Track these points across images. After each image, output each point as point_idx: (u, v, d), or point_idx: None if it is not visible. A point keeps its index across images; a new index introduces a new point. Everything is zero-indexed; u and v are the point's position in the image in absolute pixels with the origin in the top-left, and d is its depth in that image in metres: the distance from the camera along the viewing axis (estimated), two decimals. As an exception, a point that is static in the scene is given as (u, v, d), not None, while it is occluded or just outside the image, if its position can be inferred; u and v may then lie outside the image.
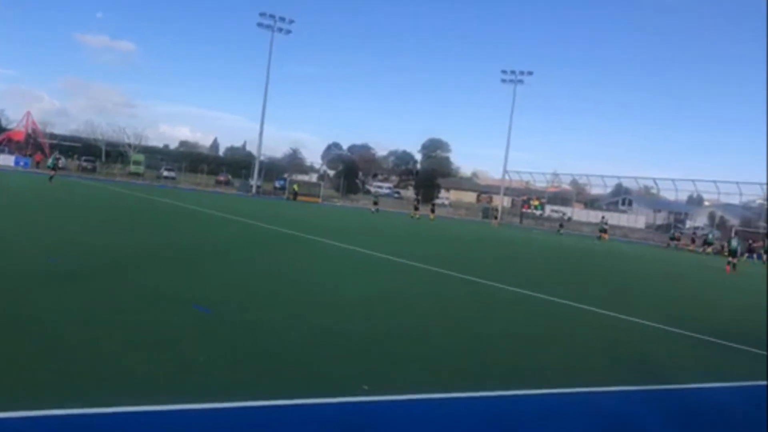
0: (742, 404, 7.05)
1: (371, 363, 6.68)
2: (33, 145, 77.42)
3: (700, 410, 6.43)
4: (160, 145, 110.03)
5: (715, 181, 67.39)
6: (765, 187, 63.66)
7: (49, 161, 48.70)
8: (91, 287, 8.83)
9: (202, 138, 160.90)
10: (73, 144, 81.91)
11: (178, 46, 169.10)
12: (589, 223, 71.44)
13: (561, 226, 60.24)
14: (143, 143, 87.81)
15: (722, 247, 44.27)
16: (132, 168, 72.80)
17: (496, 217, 61.98)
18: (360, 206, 66.87)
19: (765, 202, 68.49)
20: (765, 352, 9.54)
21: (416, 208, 53.43)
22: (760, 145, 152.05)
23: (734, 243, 33.14)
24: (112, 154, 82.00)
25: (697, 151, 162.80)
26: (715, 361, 8.93)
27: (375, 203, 56.71)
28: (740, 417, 6.49)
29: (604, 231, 54.25)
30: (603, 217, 61.90)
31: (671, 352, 9.17)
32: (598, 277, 20.54)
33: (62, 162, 67.96)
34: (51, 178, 41.33)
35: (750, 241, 47.86)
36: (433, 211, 54.42)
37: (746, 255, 43.34)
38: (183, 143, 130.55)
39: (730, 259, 31.54)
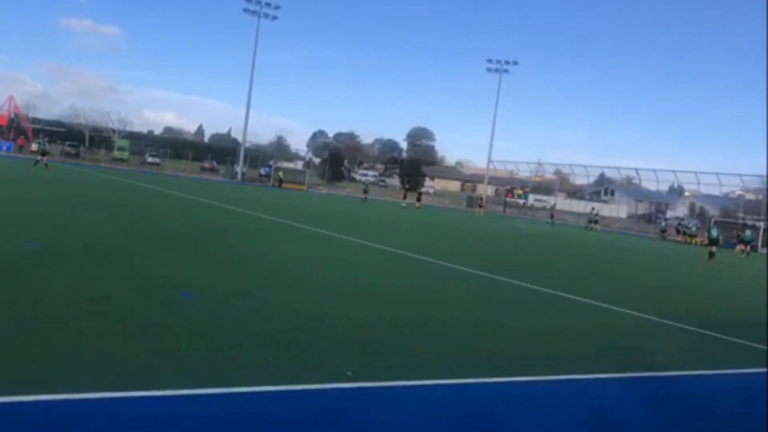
0: (725, 392, 7.30)
1: (355, 349, 6.85)
2: (16, 129, 76.72)
3: (693, 399, 6.69)
4: (145, 130, 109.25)
5: (695, 172, 68.42)
6: (744, 178, 64.69)
7: (36, 146, 47.97)
8: (74, 272, 8.97)
9: (186, 124, 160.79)
10: (56, 129, 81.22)
11: (163, 30, 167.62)
12: (571, 213, 72.14)
13: (552, 216, 60.68)
14: (128, 129, 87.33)
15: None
16: (116, 154, 72.35)
17: (480, 206, 62.39)
18: (345, 194, 66.95)
19: (744, 193, 69.56)
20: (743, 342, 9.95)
21: (405, 197, 53.89)
22: (739, 137, 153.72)
23: (714, 232, 33.41)
24: (96, 139, 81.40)
25: (679, 142, 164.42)
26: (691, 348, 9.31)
27: (365, 191, 56.91)
28: (724, 404, 6.74)
29: (596, 222, 55.27)
30: (593, 208, 62.65)
31: (673, 343, 9.51)
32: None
33: (36, 146, 67.53)
34: (36, 163, 40.55)
35: (738, 232, 48.59)
36: (419, 200, 54.79)
37: (742, 247, 43.43)
38: (168, 129, 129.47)
39: (710, 248, 32.01)
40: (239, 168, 69.68)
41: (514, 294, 12.31)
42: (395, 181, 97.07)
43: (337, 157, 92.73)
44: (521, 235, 34.08)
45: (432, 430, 4.89)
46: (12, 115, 78.12)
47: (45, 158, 41.30)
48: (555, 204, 71.72)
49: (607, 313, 11.22)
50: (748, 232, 46.07)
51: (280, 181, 64.58)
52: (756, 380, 7.87)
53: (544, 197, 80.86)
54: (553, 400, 5.99)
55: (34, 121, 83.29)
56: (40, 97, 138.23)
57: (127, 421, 4.35)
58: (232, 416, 4.62)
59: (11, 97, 79.48)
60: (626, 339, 9.33)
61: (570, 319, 10.23)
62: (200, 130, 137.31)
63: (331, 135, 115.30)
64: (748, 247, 43.50)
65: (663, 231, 55.66)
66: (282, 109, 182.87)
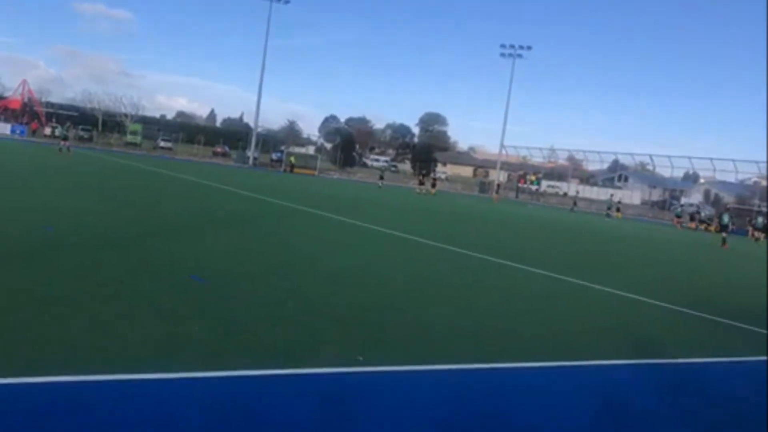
0: (730, 378, 7.28)
1: (366, 335, 6.85)
2: (29, 113, 77.14)
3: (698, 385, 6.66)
4: (157, 115, 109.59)
5: (711, 158, 67.75)
6: (761, 165, 63.99)
7: (49, 130, 48.36)
8: (87, 256, 9.03)
9: (199, 109, 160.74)
10: (69, 113, 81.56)
11: (175, 15, 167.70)
12: (584, 199, 71.68)
13: (575, 204, 60.27)
14: (140, 113, 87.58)
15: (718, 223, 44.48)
16: (129, 138, 72.62)
17: (497, 192, 62.43)
18: (357, 179, 66.87)
19: (760, 180, 68.87)
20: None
21: (421, 183, 53.92)
22: (756, 124, 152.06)
23: (725, 219, 33.96)
24: (109, 123, 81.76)
25: (694, 128, 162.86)
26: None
27: (381, 177, 56.81)
28: (729, 390, 6.71)
29: (617, 209, 55.35)
30: (612, 195, 62.47)
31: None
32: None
33: (58, 131, 67.86)
34: (61, 149, 41.30)
35: (750, 219, 48.31)
36: (434, 185, 54.67)
37: (756, 234, 43.62)
38: (180, 114, 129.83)
39: (723, 234, 32.32)
40: (251, 153, 69.76)
41: (531, 282, 12.24)
42: (407, 167, 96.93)
43: (348, 143, 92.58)
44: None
45: (439, 414, 4.88)
46: (26, 99, 78.51)
47: (65, 143, 42.29)
48: (578, 192, 71.03)
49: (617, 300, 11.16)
50: (760, 219, 45.82)
51: (292, 166, 64.58)
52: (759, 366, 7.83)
53: (557, 183, 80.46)
54: (561, 386, 5.98)
55: (48, 105, 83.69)
56: (53, 81, 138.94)
57: (139, 403, 4.37)
58: (243, 399, 4.65)
59: (24, 81, 79.87)
60: (640, 327, 9.27)
61: (581, 307, 10.21)
62: (212, 115, 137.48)
63: (342, 120, 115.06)
64: (762, 234, 43.34)
65: (678, 217, 55.43)
66: (294, 94, 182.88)
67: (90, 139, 67.98)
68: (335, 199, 30.71)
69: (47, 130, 67.50)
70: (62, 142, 42.54)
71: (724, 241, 31.44)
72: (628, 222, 50.08)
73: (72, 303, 6.51)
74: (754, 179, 69.88)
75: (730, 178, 68.60)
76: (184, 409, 4.38)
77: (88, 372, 4.72)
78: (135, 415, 4.17)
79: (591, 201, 69.06)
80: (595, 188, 78.53)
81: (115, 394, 4.50)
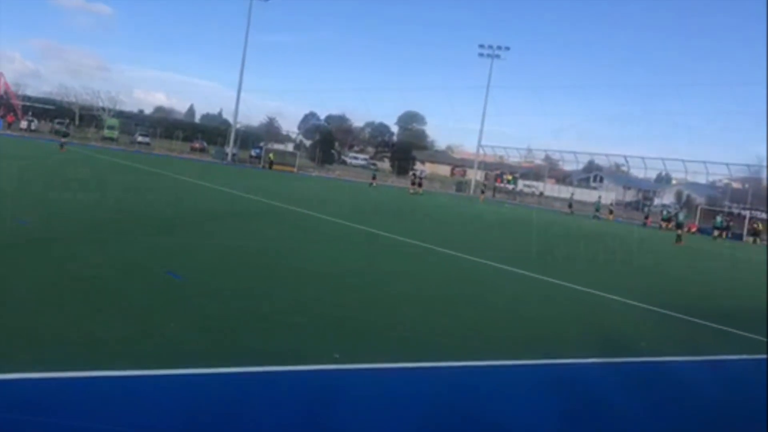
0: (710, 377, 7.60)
1: (343, 333, 7.00)
2: (5, 106, 76.22)
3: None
4: (135, 110, 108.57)
5: (683, 160, 68.88)
6: (731, 167, 65.24)
7: (23, 122, 48.00)
8: (62, 251, 9.14)
9: (177, 104, 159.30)
10: (46, 107, 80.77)
11: (154, 10, 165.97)
12: (560, 199, 72.38)
13: (570, 206, 60.78)
14: (118, 108, 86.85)
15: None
16: (106, 132, 71.88)
17: (483, 192, 63.47)
18: (335, 177, 66.86)
19: (730, 182, 70.20)
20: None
21: (413, 183, 54.51)
22: (727, 126, 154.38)
23: (681, 217, 37.22)
24: (86, 117, 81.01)
25: (667, 130, 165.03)
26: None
27: (373, 177, 56.94)
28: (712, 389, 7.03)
29: (611, 212, 56.06)
30: (600, 197, 63.32)
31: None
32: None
33: (35, 125, 67.24)
34: (62, 145, 41.31)
35: (755, 225, 49.81)
36: (420, 185, 55.27)
37: (755, 239, 45.83)
38: (158, 109, 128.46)
39: (678, 231, 34.04)
40: (230, 149, 69.43)
41: (519, 283, 12.58)
42: (386, 165, 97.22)
43: (328, 140, 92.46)
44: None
45: (414, 411, 5.03)
46: (1, 92, 77.57)
47: (63, 140, 42.42)
48: (573, 194, 71.17)
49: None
50: (718, 218, 47.47)
51: (271, 163, 64.40)
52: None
53: (534, 183, 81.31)
54: (542, 384, 6.21)
55: (24, 98, 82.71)
56: (30, 75, 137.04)
57: (113, 399, 4.48)
58: (219, 396, 4.76)
59: (1, 74, 78.87)
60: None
61: (560, 306, 10.47)
62: (191, 111, 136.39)
63: (322, 117, 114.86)
64: (720, 233, 45.04)
65: (646, 217, 56.99)
66: (273, 90, 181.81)
67: (66, 134, 67.31)
68: (326, 199, 30.26)
69: (23, 124, 66.86)
70: (62, 139, 42.59)
71: (679, 237, 33.33)
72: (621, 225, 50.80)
73: (45, 298, 6.59)
74: (725, 181, 71.20)
75: (701, 179, 69.87)
76: (157, 406, 4.48)
77: (61, 368, 4.77)
78: (108, 411, 4.26)
79: (565, 201, 69.61)
80: (569, 188, 79.32)
81: (88, 389, 4.59)
